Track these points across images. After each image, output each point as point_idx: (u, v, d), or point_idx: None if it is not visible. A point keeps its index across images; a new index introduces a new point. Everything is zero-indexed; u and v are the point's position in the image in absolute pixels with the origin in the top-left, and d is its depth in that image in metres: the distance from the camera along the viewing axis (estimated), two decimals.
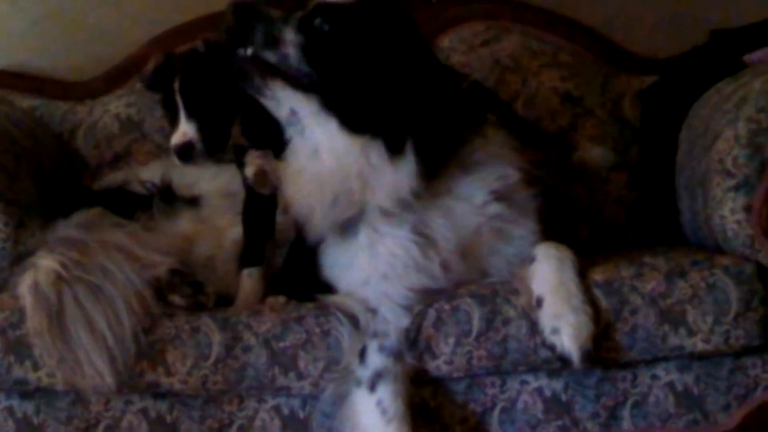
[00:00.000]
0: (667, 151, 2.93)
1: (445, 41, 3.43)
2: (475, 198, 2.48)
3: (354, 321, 2.40)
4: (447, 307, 2.40)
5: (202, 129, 2.82)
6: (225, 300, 2.58)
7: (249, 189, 2.67)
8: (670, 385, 2.44)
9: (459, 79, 2.69)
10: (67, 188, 3.05)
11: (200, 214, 2.76)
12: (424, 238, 2.44)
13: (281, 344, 2.39)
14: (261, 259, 2.66)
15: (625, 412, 2.44)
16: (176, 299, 2.46)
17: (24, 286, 2.40)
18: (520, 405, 2.43)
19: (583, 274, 2.41)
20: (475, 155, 2.51)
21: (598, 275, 2.43)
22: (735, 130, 2.50)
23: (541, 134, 3.15)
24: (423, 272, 2.44)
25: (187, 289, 2.46)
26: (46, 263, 2.40)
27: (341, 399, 2.37)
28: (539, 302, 2.36)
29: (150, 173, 2.91)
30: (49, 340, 2.35)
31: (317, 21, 2.41)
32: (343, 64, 2.40)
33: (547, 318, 2.34)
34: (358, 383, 2.35)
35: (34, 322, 2.37)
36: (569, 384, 2.43)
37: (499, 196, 2.50)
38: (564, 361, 2.32)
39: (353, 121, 2.39)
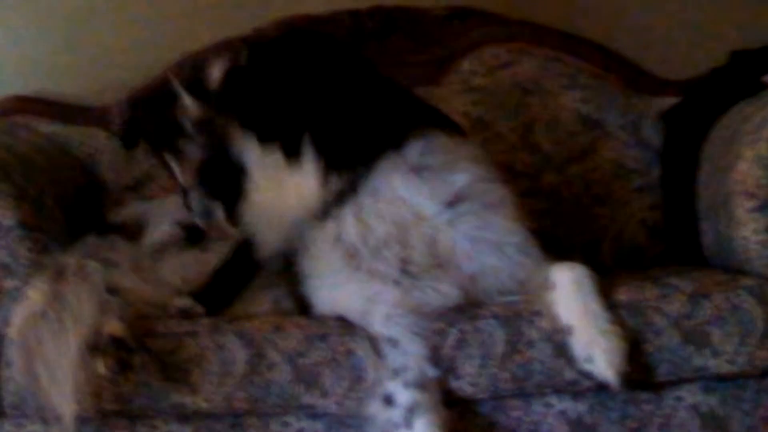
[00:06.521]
0: (689, 172, 2.93)
1: (465, 64, 3.44)
2: (426, 204, 2.46)
3: (375, 344, 2.37)
4: (470, 327, 2.38)
5: None
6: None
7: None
8: (695, 407, 2.43)
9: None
10: (90, 216, 3.06)
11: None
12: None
13: (305, 361, 2.38)
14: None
15: None
16: (98, 364, 2.32)
17: (14, 323, 2.37)
18: (545, 428, 2.41)
19: (605, 292, 2.40)
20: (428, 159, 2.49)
21: (622, 296, 2.42)
22: (756, 150, 2.50)
23: None
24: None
25: (111, 362, 2.32)
26: (32, 295, 2.37)
27: None
28: (569, 331, 2.35)
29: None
30: (26, 379, 2.32)
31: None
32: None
33: (579, 347, 2.34)
34: (396, 426, 2.28)
35: (19, 362, 2.34)
36: (594, 406, 2.41)
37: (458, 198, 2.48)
38: (604, 387, 2.32)
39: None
